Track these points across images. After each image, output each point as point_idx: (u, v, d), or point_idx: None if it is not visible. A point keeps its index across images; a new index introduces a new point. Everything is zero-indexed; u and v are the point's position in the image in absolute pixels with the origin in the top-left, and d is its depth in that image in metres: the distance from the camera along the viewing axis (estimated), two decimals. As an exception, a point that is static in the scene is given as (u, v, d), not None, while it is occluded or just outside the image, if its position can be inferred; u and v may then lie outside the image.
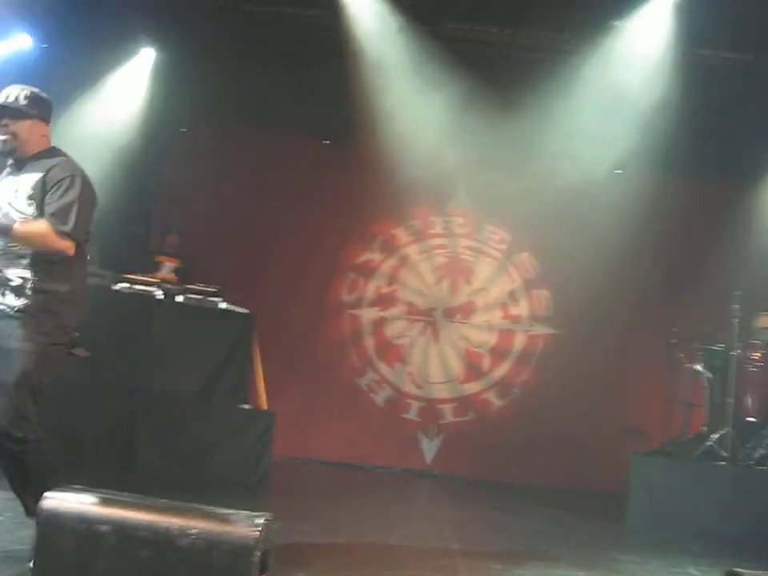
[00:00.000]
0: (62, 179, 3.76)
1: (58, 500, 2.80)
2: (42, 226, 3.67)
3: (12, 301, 3.72)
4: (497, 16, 8.06)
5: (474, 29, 8.29)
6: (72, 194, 3.74)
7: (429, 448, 9.28)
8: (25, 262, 3.73)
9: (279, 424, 7.21)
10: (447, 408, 9.41)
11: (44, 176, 3.77)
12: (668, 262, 8.98)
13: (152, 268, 8.29)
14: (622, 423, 8.77)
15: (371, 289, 9.68)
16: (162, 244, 8.88)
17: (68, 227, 3.67)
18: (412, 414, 9.40)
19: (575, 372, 8.91)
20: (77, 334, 3.98)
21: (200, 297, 7.42)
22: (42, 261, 3.74)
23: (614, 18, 7.69)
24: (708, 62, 8.00)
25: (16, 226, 3.66)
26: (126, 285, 7.40)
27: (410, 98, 8.56)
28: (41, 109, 3.91)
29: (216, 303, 7.34)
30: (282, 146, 9.46)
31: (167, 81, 8.86)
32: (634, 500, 6.80)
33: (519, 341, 9.48)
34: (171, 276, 8.23)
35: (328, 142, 9.54)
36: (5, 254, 3.77)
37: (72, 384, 6.71)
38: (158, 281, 7.69)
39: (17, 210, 3.75)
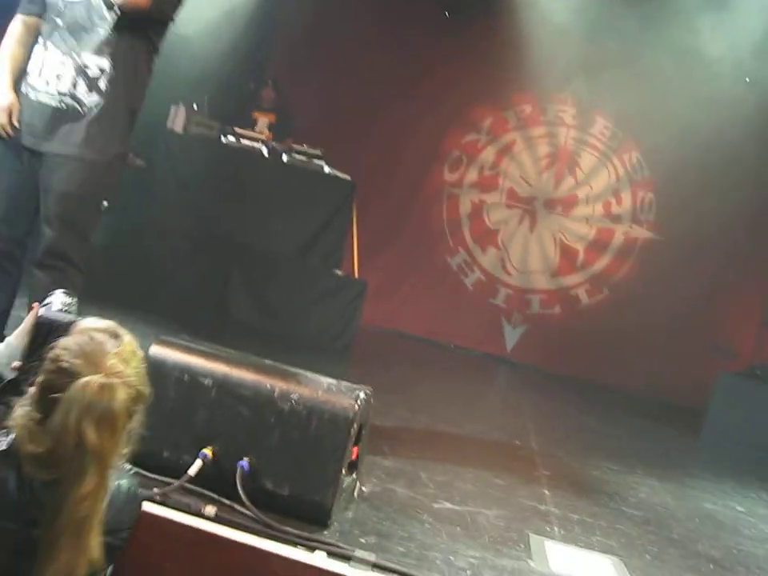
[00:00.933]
0: None
1: (164, 348, 2.86)
2: None
3: (84, 96, 3.39)
4: None
5: None
6: None
7: (511, 336, 9.28)
8: (108, 47, 3.37)
9: (369, 293, 7.28)
10: (535, 298, 9.35)
11: None
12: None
13: (247, 125, 8.25)
14: (713, 340, 8.60)
15: (473, 171, 9.53)
16: (258, 98, 8.67)
17: None
18: (499, 300, 9.37)
19: (670, 281, 8.74)
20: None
21: (305, 158, 7.40)
22: (127, 47, 3.41)
23: None
24: None
25: None
26: (233, 138, 7.42)
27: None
28: None
29: (320, 167, 7.33)
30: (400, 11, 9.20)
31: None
32: (713, 417, 6.75)
33: (617, 240, 9.27)
34: (266, 133, 8.16)
35: (448, 15, 9.26)
36: (83, 31, 3.36)
37: (171, 230, 6.96)
38: (263, 137, 7.69)
39: None
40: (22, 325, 2.34)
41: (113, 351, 1.88)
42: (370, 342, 7.85)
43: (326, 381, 2.81)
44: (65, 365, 1.83)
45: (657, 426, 7.14)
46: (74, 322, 2.04)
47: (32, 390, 1.86)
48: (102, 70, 3.36)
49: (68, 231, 3.39)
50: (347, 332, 7.00)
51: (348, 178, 7.44)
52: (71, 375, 1.81)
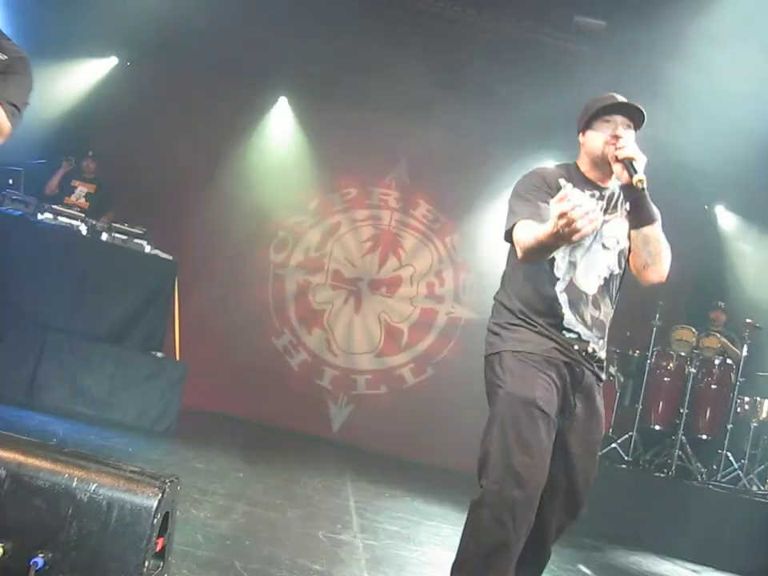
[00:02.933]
0: None
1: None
2: None
3: None
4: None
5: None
6: None
7: (337, 416, 9.27)
8: None
9: (193, 375, 7.13)
10: (361, 379, 9.40)
11: None
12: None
13: (66, 191, 8.05)
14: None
15: (299, 251, 9.59)
16: (79, 168, 8.43)
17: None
18: (325, 381, 9.37)
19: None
20: None
21: (125, 237, 7.23)
22: None
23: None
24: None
25: None
26: (50, 215, 7.17)
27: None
28: None
29: (141, 246, 7.17)
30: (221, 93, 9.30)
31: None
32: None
33: (440, 320, 9.50)
34: (83, 202, 8.00)
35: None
36: None
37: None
38: (82, 215, 7.47)
39: None
40: None
41: None
42: (194, 425, 7.65)
43: (129, 468, 2.68)
44: None
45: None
46: None
47: None
48: None
49: None
50: (167, 415, 6.79)
51: (170, 257, 7.31)
52: None
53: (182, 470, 5.35)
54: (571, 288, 3.07)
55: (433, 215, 9.67)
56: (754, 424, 7.30)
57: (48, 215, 7.16)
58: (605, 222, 3.12)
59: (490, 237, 9.27)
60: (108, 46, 9.19)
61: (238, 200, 9.25)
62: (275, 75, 9.21)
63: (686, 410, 7.32)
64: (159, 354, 7.07)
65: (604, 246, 3.12)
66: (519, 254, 2.99)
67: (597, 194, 3.17)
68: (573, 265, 3.08)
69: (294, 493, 5.67)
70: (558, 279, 3.07)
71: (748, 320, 7.47)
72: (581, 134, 3.25)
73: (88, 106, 9.08)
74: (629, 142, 3.00)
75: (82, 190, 8.24)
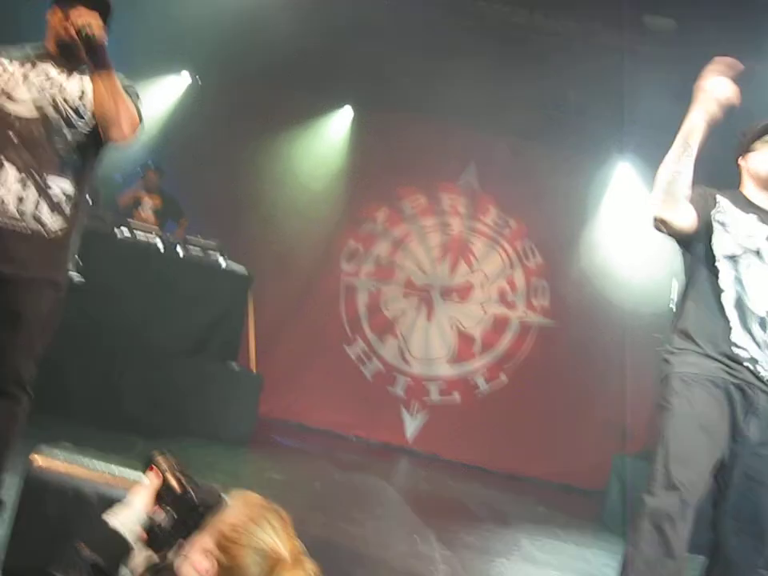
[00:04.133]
0: None
1: (46, 459, 2.77)
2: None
3: (48, 218, 3.25)
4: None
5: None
6: None
7: (411, 424, 9.29)
8: (71, 169, 3.26)
9: (267, 385, 7.23)
10: (433, 386, 9.41)
11: None
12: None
13: (135, 205, 8.22)
14: (614, 423, 8.74)
15: (370, 259, 9.65)
16: (143, 180, 8.55)
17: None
18: (398, 389, 9.40)
19: (566, 365, 8.94)
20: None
21: (200, 251, 7.36)
22: (89, 169, 3.35)
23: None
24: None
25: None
26: (127, 232, 7.32)
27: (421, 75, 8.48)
28: None
29: (217, 260, 7.29)
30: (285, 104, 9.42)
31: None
32: (611, 500, 6.84)
33: (512, 326, 9.46)
34: (150, 216, 8.16)
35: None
36: (41, 148, 3.21)
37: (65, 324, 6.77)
38: (157, 228, 7.63)
39: None
40: (143, 487, 2.34)
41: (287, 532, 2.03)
42: (270, 435, 7.76)
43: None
44: (246, 546, 1.93)
45: (557, 511, 7.18)
46: (223, 500, 2.15)
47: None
48: (65, 194, 3.26)
49: (29, 358, 3.25)
50: (244, 426, 6.90)
51: (244, 271, 7.42)
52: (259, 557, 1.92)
53: (259, 481, 5.44)
54: (739, 304, 3.05)
55: (503, 220, 9.63)
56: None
57: (125, 231, 7.32)
58: None
59: (562, 242, 9.27)
60: (178, 61, 9.36)
61: (307, 211, 9.34)
62: (340, 84, 9.26)
63: None
64: (235, 366, 7.19)
65: None
66: (653, 196, 3.09)
67: (763, 217, 3.15)
68: (738, 281, 3.07)
69: (369, 504, 5.71)
70: (723, 291, 3.08)
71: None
72: (741, 159, 3.27)
73: (162, 123, 9.26)
74: None
75: (147, 202, 8.41)
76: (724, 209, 3.15)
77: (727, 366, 3.00)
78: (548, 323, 9.37)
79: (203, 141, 9.11)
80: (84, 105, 3.30)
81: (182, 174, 8.85)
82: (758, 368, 3.00)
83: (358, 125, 9.69)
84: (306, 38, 8.15)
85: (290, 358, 9.04)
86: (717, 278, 3.07)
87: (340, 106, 9.70)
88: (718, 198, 3.17)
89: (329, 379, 9.19)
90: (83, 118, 3.31)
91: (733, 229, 3.11)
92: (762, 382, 3.00)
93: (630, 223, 8.73)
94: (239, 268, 7.40)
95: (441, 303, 9.54)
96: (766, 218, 3.14)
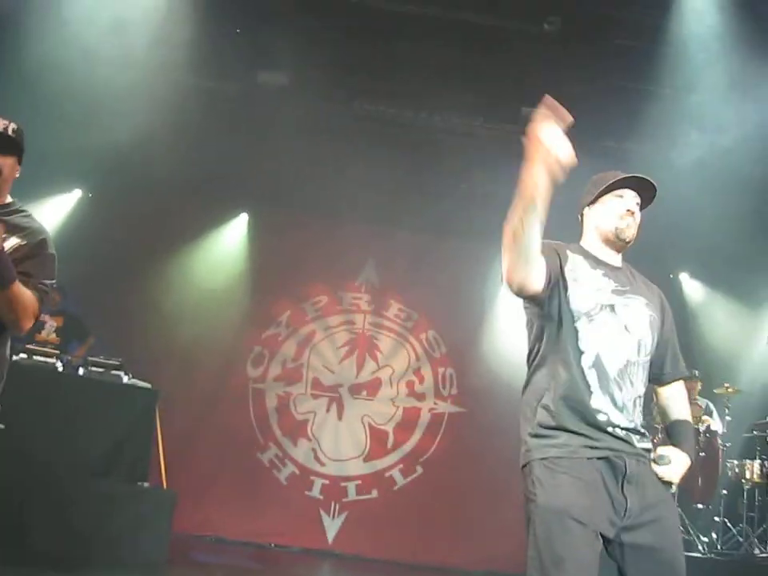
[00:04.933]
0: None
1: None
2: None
3: None
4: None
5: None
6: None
7: (331, 527, 9.15)
8: None
9: (181, 500, 7.05)
10: (351, 485, 9.32)
11: None
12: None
13: (35, 327, 8.05)
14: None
15: (276, 364, 9.61)
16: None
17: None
18: (315, 492, 9.28)
19: (478, 450, 8.99)
20: None
21: (102, 370, 7.23)
22: None
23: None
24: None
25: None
26: (25, 356, 7.17)
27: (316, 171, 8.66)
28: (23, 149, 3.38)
29: (119, 377, 7.17)
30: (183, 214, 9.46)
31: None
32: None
33: (424, 418, 9.50)
34: (53, 338, 8.00)
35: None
36: None
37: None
38: (57, 351, 7.49)
39: None
40: None
41: None
42: (187, 552, 7.54)
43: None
44: None
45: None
46: None
47: None
48: None
49: None
50: (160, 546, 6.68)
51: (149, 386, 7.31)
52: None
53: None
54: (597, 364, 2.89)
55: (405, 314, 9.76)
56: (747, 486, 7.31)
57: (23, 355, 7.16)
58: (623, 305, 2.99)
59: (465, 330, 9.42)
60: (70, 178, 9.35)
61: (210, 319, 9.30)
62: (236, 190, 9.37)
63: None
64: (146, 484, 7.00)
65: (626, 329, 2.97)
66: (503, 261, 2.83)
67: (608, 272, 3.06)
68: (595, 340, 2.92)
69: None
70: (583, 353, 2.90)
71: (726, 385, 7.57)
72: (587, 209, 3.18)
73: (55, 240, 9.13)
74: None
75: (51, 324, 8.26)
76: (575, 264, 3.02)
77: (590, 438, 2.83)
78: (458, 410, 9.44)
79: (102, 256, 9.03)
80: None
81: (83, 290, 8.71)
82: (620, 432, 2.86)
83: (255, 228, 9.78)
84: (198, 149, 8.29)
85: (203, 469, 8.86)
86: (576, 338, 2.92)
87: (236, 212, 9.79)
88: (569, 253, 3.04)
89: (243, 488, 9.02)
90: None
91: (586, 284, 2.99)
92: (627, 443, 2.86)
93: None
94: (143, 384, 7.29)
95: (351, 401, 9.53)
96: (611, 273, 3.06)
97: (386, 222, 9.35)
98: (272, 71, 7.89)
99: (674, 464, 2.91)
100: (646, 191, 3.13)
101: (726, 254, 8.52)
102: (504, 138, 8.44)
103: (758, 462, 7.29)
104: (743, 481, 7.32)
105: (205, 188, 9.16)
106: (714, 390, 7.78)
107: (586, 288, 2.98)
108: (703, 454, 7.45)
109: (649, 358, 3.02)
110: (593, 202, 3.15)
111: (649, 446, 2.93)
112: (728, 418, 7.59)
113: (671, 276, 9.70)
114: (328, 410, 9.50)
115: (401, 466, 9.38)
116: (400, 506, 9.13)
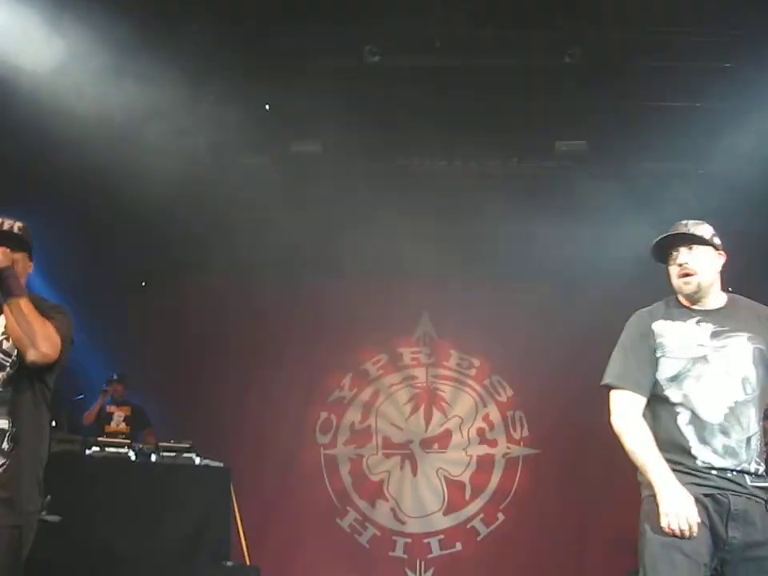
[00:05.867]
0: None
1: None
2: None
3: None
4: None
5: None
6: None
7: (419, 584, 9.05)
8: (6, 405, 3.24)
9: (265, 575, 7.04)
10: (434, 541, 9.21)
11: None
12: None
13: (104, 419, 8.17)
14: (624, 539, 8.54)
15: (345, 426, 9.60)
16: (108, 393, 8.63)
17: None
18: (398, 551, 9.18)
19: (560, 490, 8.85)
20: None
21: (174, 454, 7.29)
22: (28, 402, 3.29)
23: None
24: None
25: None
26: (97, 448, 7.27)
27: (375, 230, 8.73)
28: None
29: (191, 459, 7.22)
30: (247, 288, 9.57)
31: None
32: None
33: (499, 466, 9.39)
34: (123, 428, 8.10)
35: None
36: None
37: (45, 557, 6.57)
38: (128, 441, 7.58)
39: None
40: None
41: None
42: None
43: None
44: None
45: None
46: None
47: None
48: (2, 430, 3.22)
49: None
50: (249, 623, 6.66)
51: (221, 464, 7.35)
52: None
53: None
54: (693, 420, 3.07)
55: (466, 362, 9.71)
56: None
57: (95, 449, 7.26)
58: (719, 347, 3.13)
59: (529, 370, 9.31)
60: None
61: (273, 391, 9.34)
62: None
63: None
64: (229, 563, 6.99)
65: (726, 373, 3.10)
66: (613, 421, 3.16)
67: (702, 318, 3.20)
68: (687, 397, 3.10)
69: None
70: (679, 414, 3.10)
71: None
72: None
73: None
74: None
75: (119, 414, 8.37)
76: (662, 332, 3.19)
77: (697, 476, 3.01)
78: (532, 452, 9.32)
79: (150, 342, 9.20)
80: (7, 340, 3.32)
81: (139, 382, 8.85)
82: (726, 473, 3.01)
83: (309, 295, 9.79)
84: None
85: (284, 542, 8.82)
86: (668, 402, 3.12)
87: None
88: (654, 327, 3.20)
89: (326, 556, 8.95)
90: (10, 355, 3.32)
91: (673, 347, 3.15)
92: (734, 483, 3.00)
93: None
94: (215, 463, 7.33)
95: (423, 456, 9.46)
96: (706, 317, 3.18)
97: (435, 273, 9.30)
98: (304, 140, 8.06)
99: None
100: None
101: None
102: (542, 176, 8.49)
103: None
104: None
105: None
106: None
107: (677, 351, 3.14)
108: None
109: (759, 391, 3.12)
110: (662, 260, 3.32)
111: (764, 484, 3.05)
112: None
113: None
114: (402, 468, 9.44)
115: (482, 515, 9.26)
116: (485, 555, 8.99)
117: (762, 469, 3.06)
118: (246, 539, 7.34)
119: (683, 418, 3.08)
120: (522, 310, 9.30)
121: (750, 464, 3.04)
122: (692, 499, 2.91)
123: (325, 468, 9.47)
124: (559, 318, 9.14)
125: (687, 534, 2.87)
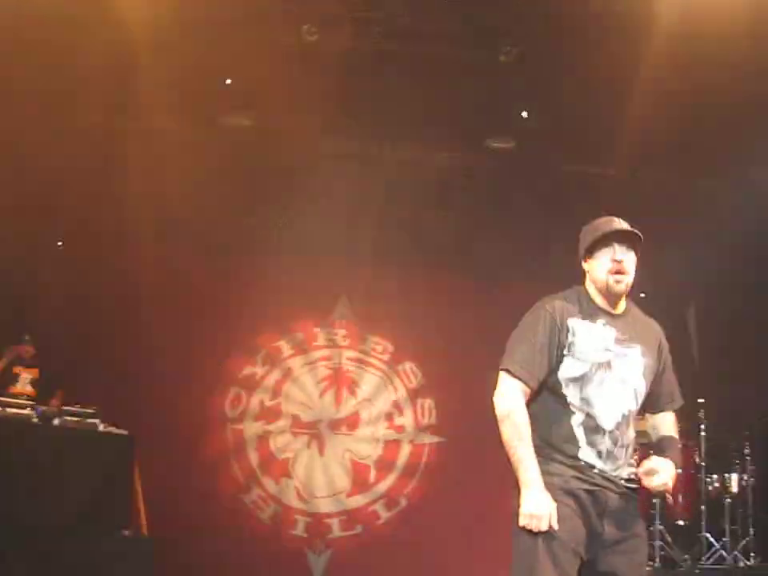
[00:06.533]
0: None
1: None
2: None
3: None
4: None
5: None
6: None
7: (317, 565, 9.08)
8: None
9: (162, 547, 6.98)
10: (334, 522, 9.26)
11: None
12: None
13: (10, 380, 7.98)
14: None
15: (255, 402, 9.57)
16: (17, 354, 8.28)
17: None
18: (299, 530, 9.20)
19: (463, 481, 8.97)
20: None
21: (77, 419, 7.18)
22: None
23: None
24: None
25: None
26: (-1, 408, 7.11)
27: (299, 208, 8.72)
28: None
29: (95, 425, 7.12)
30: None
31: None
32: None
33: (404, 452, 9.48)
34: (29, 390, 7.93)
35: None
36: None
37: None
38: (31, 402, 7.43)
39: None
40: None
41: None
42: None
43: None
44: None
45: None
46: None
47: None
48: None
49: None
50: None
51: (125, 432, 7.26)
52: None
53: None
54: (587, 423, 3.09)
55: (380, 346, 9.76)
56: (728, 500, 7.31)
57: (-4, 408, 7.10)
58: (620, 355, 3.15)
59: (442, 359, 9.41)
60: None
61: (185, 364, 9.22)
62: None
63: (659, 499, 7.30)
64: (126, 533, 6.93)
65: (622, 381, 3.14)
66: (498, 402, 3.17)
67: (609, 321, 3.20)
68: (586, 401, 3.10)
69: None
70: (574, 414, 3.10)
71: (700, 400, 7.58)
72: (584, 261, 3.29)
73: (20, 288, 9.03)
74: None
75: (26, 376, 8.17)
76: (574, 330, 3.15)
77: (580, 471, 3.06)
78: (438, 440, 9.42)
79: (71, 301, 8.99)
80: None
81: (50, 338, 8.64)
82: (605, 473, 3.08)
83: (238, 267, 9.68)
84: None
85: (186, 515, 8.73)
86: (564, 400, 3.11)
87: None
88: (570, 323, 3.15)
89: (228, 531, 8.92)
90: None
91: (583, 349, 3.12)
92: (610, 482, 3.08)
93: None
94: (119, 431, 7.24)
95: (331, 437, 9.49)
96: (612, 321, 3.18)
97: (355, 257, 9.31)
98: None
99: (662, 473, 3.09)
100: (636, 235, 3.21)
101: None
102: (465, 167, 8.61)
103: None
104: (725, 495, 7.31)
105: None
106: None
107: (585, 353, 3.13)
108: (681, 470, 7.41)
109: (640, 405, 3.22)
110: (587, 253, 3.24)
111: (635, 486, 3.16)
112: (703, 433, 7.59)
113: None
114: (308, 447, 9.45)
115: (384, 500, 9.34)
116: (386, 539, 9.08)
117: (632, 471, 3.17)
118: (145, 510, 7.26)
119: (577, 419, 3.09)
120: (438, 299, 9.38)
121: (624, 468, 3.14)
122: (554, 506, 2.95)
123: (232, 444, 9.43)
124: (474, 308, 9.26)
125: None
